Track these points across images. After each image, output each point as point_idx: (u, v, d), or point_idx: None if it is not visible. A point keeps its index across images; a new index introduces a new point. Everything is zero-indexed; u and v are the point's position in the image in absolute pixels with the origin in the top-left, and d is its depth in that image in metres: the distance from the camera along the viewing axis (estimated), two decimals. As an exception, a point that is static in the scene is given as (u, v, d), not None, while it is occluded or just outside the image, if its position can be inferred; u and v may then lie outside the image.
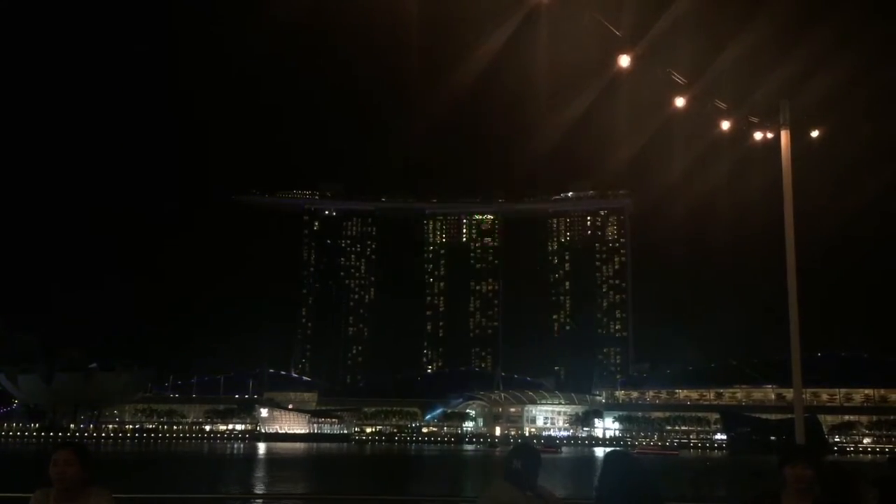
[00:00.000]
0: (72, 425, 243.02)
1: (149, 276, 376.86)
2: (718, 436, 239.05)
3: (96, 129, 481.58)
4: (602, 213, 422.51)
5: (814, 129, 16.00)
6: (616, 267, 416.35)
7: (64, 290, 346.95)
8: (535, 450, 8.09)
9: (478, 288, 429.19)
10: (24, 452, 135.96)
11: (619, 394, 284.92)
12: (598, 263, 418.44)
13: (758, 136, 15.40)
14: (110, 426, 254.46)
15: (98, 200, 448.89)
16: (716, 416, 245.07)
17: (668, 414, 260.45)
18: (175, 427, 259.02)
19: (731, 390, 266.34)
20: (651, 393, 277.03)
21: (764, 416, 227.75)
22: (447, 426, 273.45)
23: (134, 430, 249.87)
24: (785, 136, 15.69)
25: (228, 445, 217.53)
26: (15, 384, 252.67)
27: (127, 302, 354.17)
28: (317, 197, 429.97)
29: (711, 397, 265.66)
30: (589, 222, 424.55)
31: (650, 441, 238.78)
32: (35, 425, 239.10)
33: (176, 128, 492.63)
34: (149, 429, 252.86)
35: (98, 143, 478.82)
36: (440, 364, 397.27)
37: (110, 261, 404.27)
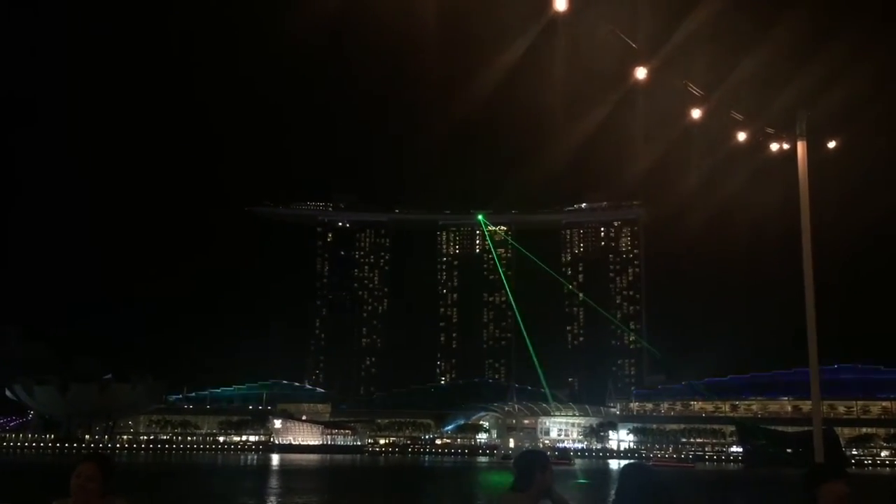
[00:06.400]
0: (87, 436, 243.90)
1: (162, 287, 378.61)
2: (734, 448, 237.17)
3: (109, 140, 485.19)
4: (616, 223, 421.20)
5: (830, 140, 15.95)
6: (630, 278, 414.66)
7: (78, 301, 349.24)
8: (543, 455, 8.03)
9: (491, 299, 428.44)
10: (41, 463, 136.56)
11: (634, 405, 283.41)
12: (611, 275, 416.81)
13: (774, 147, 15.40)
14: (125, 437, 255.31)
15: (112, 212, 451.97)
16: (731, 428, 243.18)
17: (682, 426, 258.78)
18: (189, 438, 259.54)
19: (746, 402, 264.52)
20: (665, 405, 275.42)
21: (780, 428, 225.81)
22: (461, 438, 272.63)
23: (148, 442, 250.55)
24: (801, 147, 15.67)
25: (242, 457, 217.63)
26: (31, 395, 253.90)
27: (141, 313, 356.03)
28: (330, 208, 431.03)
29: (727, 409, 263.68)
30: (602, 233, 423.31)
31: (665, 453, 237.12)
32: (51, 436, 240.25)
33: (189, 141, 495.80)
34: (163, 440, 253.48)
35: (112, 154, 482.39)
36: (453, 375, 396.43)
37: (124, 273, 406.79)
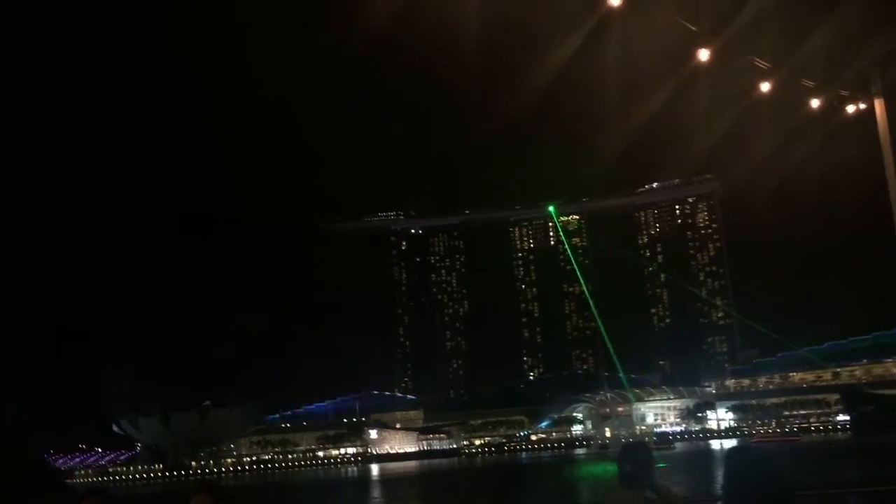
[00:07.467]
0: (192, 463, 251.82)
1: (248, 311, 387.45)
2: (840, 417, 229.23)
3: (183, 168, 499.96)
4: (690, 200, 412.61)
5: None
6: (711, 253, 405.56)
7: (172, 332, 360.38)
8: (645, 447, 8.04)
9: (571, 290, 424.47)
10: (153, 494, 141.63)
11: (730, 383, 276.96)
12: (692, 252, 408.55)
13: (850, 108, 15.07)
14: (229, 460, 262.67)
15: (188, 241, 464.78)
16: (835, 396, 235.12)
17: (783, 399, 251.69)
18: (290, 456, 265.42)
19: (848, 368, 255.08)
20: (763, 379, 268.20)
21: (887, 392, 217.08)
22: (556, 431, 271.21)
23: (251, 463, 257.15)
24: (879, 106, 15.31)
25: (342, 470, 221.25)
26: (136, 428, 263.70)
27: (232, 338, 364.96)
28: (402, 217, 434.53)
29: (828, 378, 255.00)
30: (678, 211, 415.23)
31: (768, 429, 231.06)
32: (159, 466, 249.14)
33: (268, 169, 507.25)
34: (265, 460, 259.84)
35: (184, 181, 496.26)
36: (541, 370, 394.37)
37: (209, 300, 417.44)
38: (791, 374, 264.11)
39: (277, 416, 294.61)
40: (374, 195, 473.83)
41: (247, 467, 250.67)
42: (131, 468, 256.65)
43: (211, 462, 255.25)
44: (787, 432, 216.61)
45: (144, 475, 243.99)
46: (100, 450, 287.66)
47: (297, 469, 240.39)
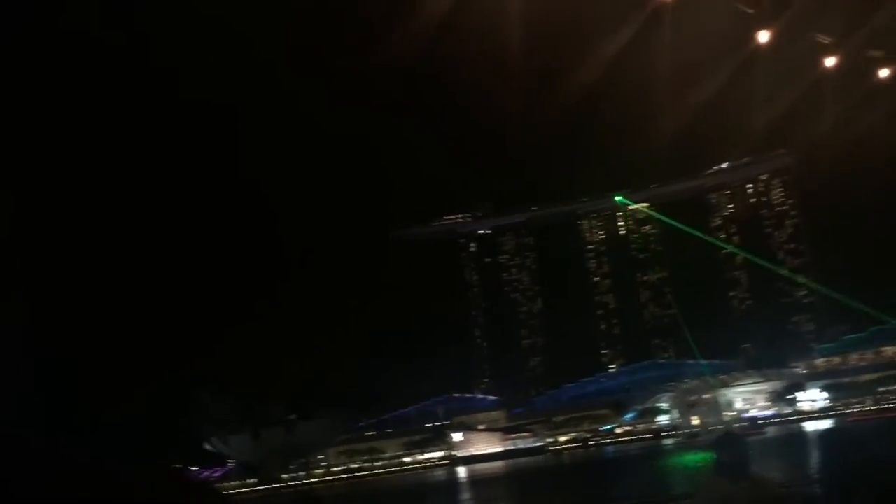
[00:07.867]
0: (284, 476, 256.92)
1: (327, 323, 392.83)
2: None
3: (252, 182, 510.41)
4: (763, 177, 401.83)
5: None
6: (789, 230, 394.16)
7: (254, 347, 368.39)
8: (740, 437, 8.13)
9: (645, 279, 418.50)
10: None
11: (820, 362, 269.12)
12: (768, 230, 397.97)
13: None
14: (319, 471, 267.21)
15: (270, 257, 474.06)
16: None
17: (877, 375, 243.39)
18: (377, 463, 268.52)
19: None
20: (854, 356, 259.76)
21: None
22: (641, 423, 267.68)
23: (341, 472, 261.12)
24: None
25: (431, 474, 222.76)
26: (227, 445, 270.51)
27: (313, 350, 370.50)
28: (469, 219, 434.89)
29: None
30: (751, 190, 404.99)
31: (864, 406, 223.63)
32: (253, 481, 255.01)
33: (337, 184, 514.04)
34: (354, 468, 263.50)
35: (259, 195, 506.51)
36: (621, 361, 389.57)
37: (288, 313, 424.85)
38: (884, 348, 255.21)
39: (363, 424, 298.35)
40: (440, 199, 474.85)
41: (337, 477, 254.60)
42: (226, 484, 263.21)
43: (302, 474, 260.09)
44: (884, 409, 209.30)
45: (240, 489, 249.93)
46: (195, 468, 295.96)
47: (386, 476, 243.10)
